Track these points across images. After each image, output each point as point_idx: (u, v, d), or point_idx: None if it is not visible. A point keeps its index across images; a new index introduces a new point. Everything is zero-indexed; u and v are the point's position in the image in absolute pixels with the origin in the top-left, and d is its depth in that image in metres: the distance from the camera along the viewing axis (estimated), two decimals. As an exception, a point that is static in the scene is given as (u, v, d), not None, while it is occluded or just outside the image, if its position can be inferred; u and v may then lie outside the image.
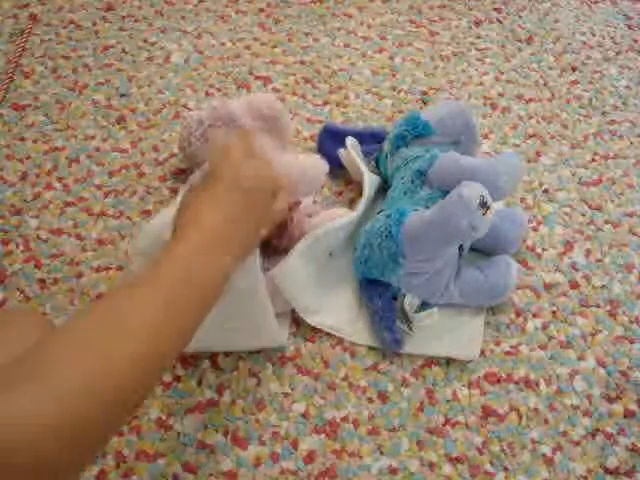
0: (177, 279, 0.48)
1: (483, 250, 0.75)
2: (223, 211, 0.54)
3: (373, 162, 0.81)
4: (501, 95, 0.96)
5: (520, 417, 0.66)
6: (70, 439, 0.39)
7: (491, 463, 0.63)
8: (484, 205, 0.62)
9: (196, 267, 0.50)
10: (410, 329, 0.69)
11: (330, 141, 0.82)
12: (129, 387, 0.43)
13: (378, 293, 0.70)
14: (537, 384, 0.68)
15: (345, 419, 0.65)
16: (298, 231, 0.73)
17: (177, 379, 0.67)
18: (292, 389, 0.67)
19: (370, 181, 0.77)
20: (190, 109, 0.92)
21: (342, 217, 0.73)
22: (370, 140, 0.82)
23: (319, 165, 0.71)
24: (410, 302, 0.69)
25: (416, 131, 0.76)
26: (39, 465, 0.37)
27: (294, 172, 0.68)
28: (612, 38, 1.06)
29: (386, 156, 0.78)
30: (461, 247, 0.70)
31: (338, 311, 0.72)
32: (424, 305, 0.70)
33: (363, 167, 0.77)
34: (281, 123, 0.79)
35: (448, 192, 0.65)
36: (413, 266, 0.67)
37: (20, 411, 0.37)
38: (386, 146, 0.78)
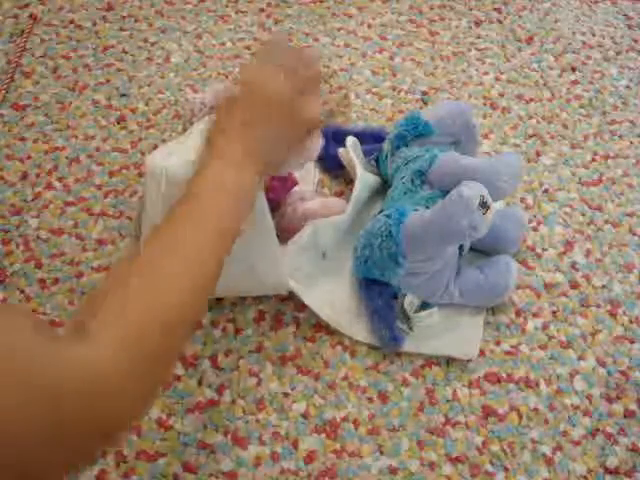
0: (219, 197, 0.53)
1: (483, 250, 0.75)
2: (252, 123, 0.56)
3: (373, 162, 0.81)
4: (501, 95, 0.96)
5: (520, 417, 0.66)
6: (134, 366, 0.42)
7: (491, 463, 0.63)
8: (484, 205, 0.62)
9: (232, 182, 0.54)
10: (410, 329, 0.69)
11: (331, 141, 0.82)
12: (188, 314, 0.48)
13: (378, 293, 0.70)
14: (537, 384, 0.68)
15: (345, 419, 0.65)
16: (291, 210, 0.75)
17: (177, 379, 0.67)
18: (292, 389, 0.67)
19: (363, 182, 0.76)
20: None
21: (334, 216, 0.73)
22: (370, 140, 0.82)
23: (313, 137, 0.72)
24: (410, 302, 0.69)
25: (416, 131, 0.76)
26: (109, 394, 0.40)
27: None
28: (612, 38, 1.06)
29: (386, 156, 0.78)
30: (461, 247, 0.70)
31: (334, 308, 0.72)
32: (424, 305, 0.70)
33: (359, 168, 0.77)
34: None
35: (448, 192, 0.65)
36: (413, 266, 0.67)
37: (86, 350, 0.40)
38: (386, 146, 0.78)
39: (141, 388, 0.43)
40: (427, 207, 0.69)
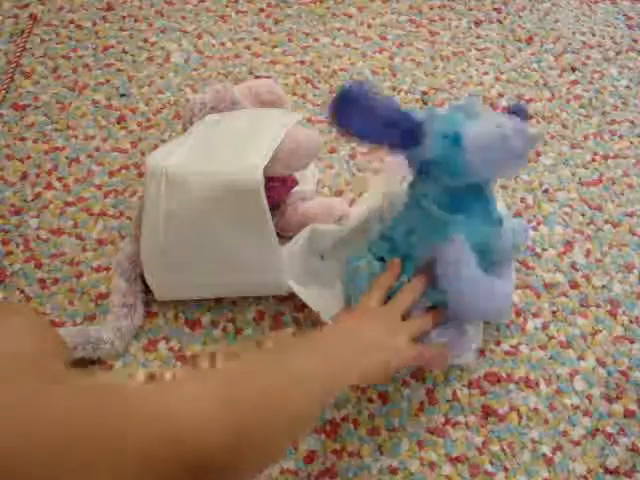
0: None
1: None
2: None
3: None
4: (501, 95, 0.96)
5: (520, 417, 0.66)
6: (234, 439, 0.40)
7: (491, 463, 0.63)
8: None
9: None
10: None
11: (351, 114, 0.57)
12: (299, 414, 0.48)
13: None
14: (537, 384, 0.68)
15: (345, 419, 0.65)
16: (292, 210, 0.75)
17: (177, 379, 0.67)
18: (292, 389, 0.67)
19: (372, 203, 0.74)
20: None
21: (335, 226, 0.74)
22: (398, 136, 0.59)
23: (312, 139, 0.71)
24: None
25: (447, 171, 0.59)
26: (202, 456, 0.38)
27: (286, 145, 0.69)
28: (612, 38, 1.06)
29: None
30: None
31: (334, 308, 0.72)
32: None
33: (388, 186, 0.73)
34: (281, 108, 0.80)
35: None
36: None
37: (187, 403, 0.40)
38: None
39: (238, 448, 0.41)
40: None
